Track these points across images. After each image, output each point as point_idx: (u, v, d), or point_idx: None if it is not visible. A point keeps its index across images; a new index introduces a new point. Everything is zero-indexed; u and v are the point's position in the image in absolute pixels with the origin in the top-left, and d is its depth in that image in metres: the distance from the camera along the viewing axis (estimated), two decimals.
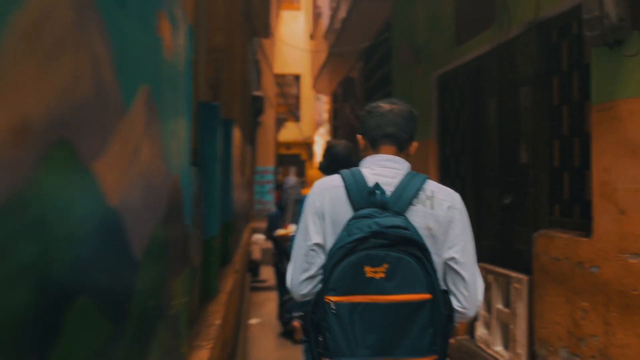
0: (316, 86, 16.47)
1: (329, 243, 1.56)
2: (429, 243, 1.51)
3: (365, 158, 1.72)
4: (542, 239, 3.44)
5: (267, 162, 14.47)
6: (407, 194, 1.54)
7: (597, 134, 2.92)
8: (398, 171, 1.63)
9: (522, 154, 3.90)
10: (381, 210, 1.49)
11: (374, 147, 1.70)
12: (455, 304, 1.58)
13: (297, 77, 20.27)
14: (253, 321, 6.17)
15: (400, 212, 1.51)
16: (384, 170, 1.63)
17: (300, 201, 3.26)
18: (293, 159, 20.40)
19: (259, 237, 8.57)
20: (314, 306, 1.53)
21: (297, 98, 20.38)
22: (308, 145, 20.28)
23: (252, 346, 5.26)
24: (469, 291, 1.57)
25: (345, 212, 1.56)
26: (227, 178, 3.92)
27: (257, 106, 8.74)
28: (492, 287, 4.06)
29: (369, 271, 1.42)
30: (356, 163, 1.82)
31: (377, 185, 1.54)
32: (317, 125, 21.51)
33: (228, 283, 3.30)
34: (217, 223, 2.96)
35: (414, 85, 5.91)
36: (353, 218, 1.51)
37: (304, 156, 20.51)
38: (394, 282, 1.42)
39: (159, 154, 1.19)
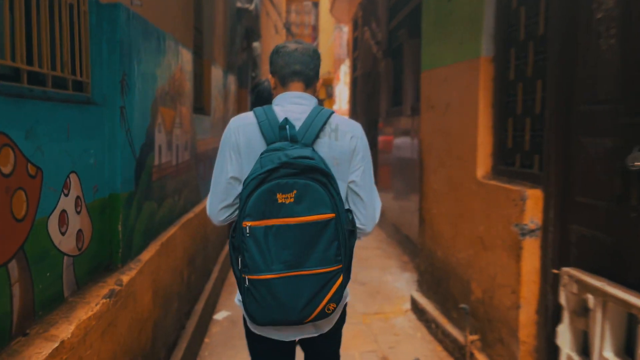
0: (334, 10, 14.20)
1: (245, 175, 1.69)
2: (335, 170, 1.71)
3: (277, 96, 1.83)
4: None
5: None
6: (313, 128, 1.71)
7: None
8: (306, 107, 1.78)
9: None
10: (291, 143, 1.64)
11: (284, 84, 1.83)
12: (356, 221, 1.78)
13: (315, 4, 17.93)
14: (220, 315, 4.49)
15: (308, 144, 1.68)
16: (293, 107, 1.77)
17: None
18: None
19: None
20: (233, 231, 1.64)
21: (315, 28, 18.12)
22: (326, 83, 18.15)
23: (210, 357, 3.60)
24: (367, 210, 1.80)
25: (259, 146, 1.69)
26: (143, 119, 2.14)
27: (246, 26, 6.73)
28: (595, 318, 2.23)
29: (280, 197, 1.56)
30: None
31: (286, 120, 1.68)
32: (338, 61, 19.31)
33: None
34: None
35: None
36: (265, 151, 1.63)
37: (321, 95, 18.41)
38: (302, 205, 1.57)
39: None
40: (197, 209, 3.97)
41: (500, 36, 3.34)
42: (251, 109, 2.10)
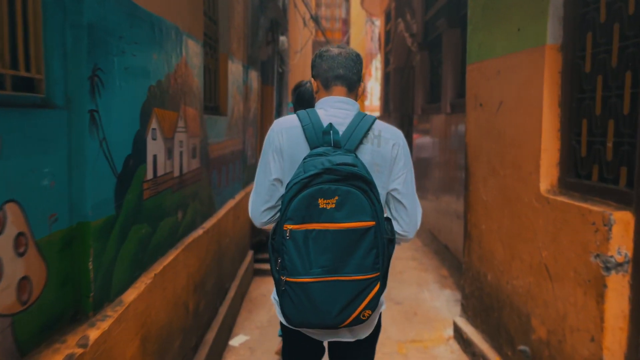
0: (365, 3, 13.57)
1: (287, 177, 1.71)
2: (376, 177, 1.69)
3: (320, 99, 1.85)
4: None
5: None
6: (357, 134, 1.71)
7: None
8: (349, 112, 1.78)
9: None
10: (334, 148, 1.65)
11: (327, 88, 1.84)
12: (397, 228, 1.79)
13: None
14: (237, 341, 3.99)
15: (351, 150, 1.67)
16: (336, 111, 1.78)
17: None
18: None
19: None
20: (274, 233, 1.66)
21: (345, 22, 17.49)
22: None
23: None
24: (409, 217, 1.80)
25: (302, 149, 1.70)
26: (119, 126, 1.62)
27: (270, 15, 6.19)
28: None
29: (321, 203, 1.57)
30: None
31: (330, 126, 1.68)
32: (369, 56, 18.67)
33: None
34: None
35: None
36: (308, 156, 1.64)
37: None
38: (343, 212, 1.58)
39: None
40: (208, 224, 3.46)
41: (571, 18, 2.70)
42: (290, 110, 2.21)
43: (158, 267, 2.41)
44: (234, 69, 4.60)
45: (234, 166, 4.66)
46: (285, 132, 1.75)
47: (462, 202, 5.68)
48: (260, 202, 1.78)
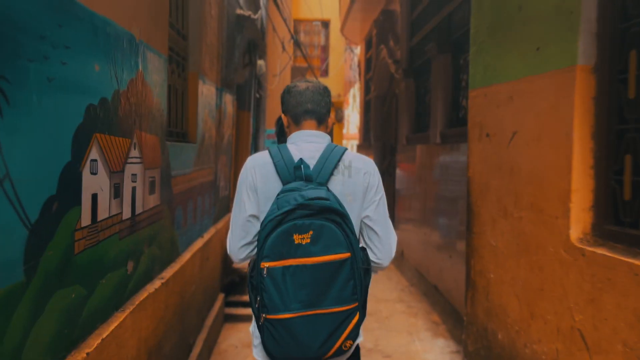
0: (345, 30, 13.29)
1: (262, 213, 1.73)
2: (349, 207, 1.72)
3: (291, 134, 1.89)
4: None
5: None
6: (327, 166, 1.74)
7: None
8: (320, 144, 1.82)
9: None
10: (306, 182, 1.68)
11: (297, 123, 1.88)
12: (371, 256, 1.79)
13: (325, 24, 17.02)
14: None
15: (323, 183, 1.70)
16: (307, 145, 1.81)
17: None
18: None
19: None
20: (252, 271, 1.69)
21: (324, 49, 17.21)
22: (336, 106, 17.20)
23: None
24: (382, 245, 1.80)
25: (275, 185, 1.73)
26: None
27: (247, 35, 5.72)
28: None
29: (297, 238, 1.59)
30: None
31: (301, 161, 1.72)
32: (348, 84, 18.40)
33: None
34: None
35: None
36: (281, 192, 1.67)
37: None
38: (318, 246, 1.60)
39: None
40: (168, 273, 2.89)
41: (608, 35, 2.28)
42: (276, 139, 2.38)
43: (94, 341, 1.83)
44: (206, 90, 4.08)
45: (204, 200, 4.10)
46: (258, 169, 1.77)
47: (454, 239, 5.20)
48: (237, 239, 1.78)
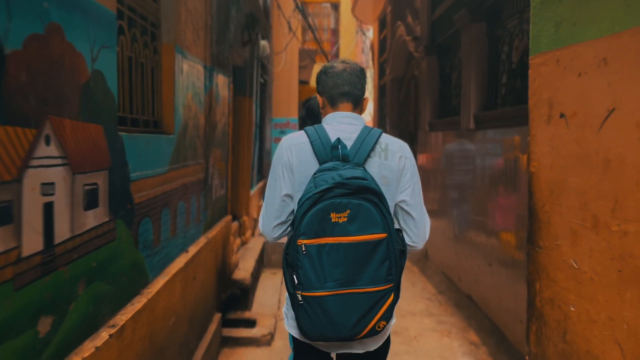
0: (357, 10, 12.37)
1: (298, 193, 1.73)
2: (384, 190, 1.69)
3: (327, 115, 1.88)
4: None
5: (289, 113, 10.69)
6: (364, 147, 1.73)
7: None
8: (356, 127, 1.81)
9: None
10: (343, 162, 1.67)
11: (333, 105, 1.87)
12: (406, 239, 1.81)
13: (335, 5, 16.05)
14: None
15: (360, 164, 1.70)
16: (343, 126, 1.80)
17: None
18: None
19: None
20: (288, 248, 1.67)
21: (334, 32, 16.25)
22: None
23: None
24: (417, 228, 1.82)
25: (312, 165, 1.73)
26: None
27: (246, 8, 4.85)
28: None
29: (334, 217, 1.58)
30: None
31: (338, 140, 1.71)
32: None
33: None
34: None
35: None
36: (318, 171, 1.66)
37: None
38: (355, 225, 1.59)
39: None
40: (126, 314, 2.08)
41: None
42: (300, 124, 2.63)
43: None
44: (188, 68, 3.25)
45: (188, 205, 3.28)
46: (294, 148, 1.76)
47: (495, 244, 4.34)
48: (272, 218, 1.78)
